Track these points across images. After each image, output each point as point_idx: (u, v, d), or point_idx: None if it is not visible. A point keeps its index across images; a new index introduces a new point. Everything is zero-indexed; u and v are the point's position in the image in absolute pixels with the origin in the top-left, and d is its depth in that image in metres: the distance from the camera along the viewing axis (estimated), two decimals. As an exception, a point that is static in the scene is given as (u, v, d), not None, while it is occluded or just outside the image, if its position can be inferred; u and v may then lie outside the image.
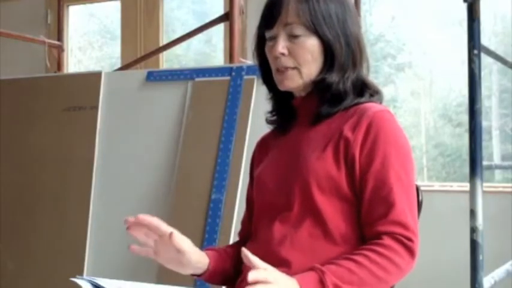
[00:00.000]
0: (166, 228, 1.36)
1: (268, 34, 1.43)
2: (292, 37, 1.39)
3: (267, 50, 1.44)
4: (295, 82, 1.41)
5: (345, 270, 1.25)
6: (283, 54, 1.39)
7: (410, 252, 1.28)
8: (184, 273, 1.43)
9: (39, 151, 3.07)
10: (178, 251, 1.36)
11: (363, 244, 1.31)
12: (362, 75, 1.45)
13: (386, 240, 1.28)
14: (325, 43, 1.39)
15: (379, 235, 1.29)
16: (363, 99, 1.42)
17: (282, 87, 1.44)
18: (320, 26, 1.38)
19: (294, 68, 1.40)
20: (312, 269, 1.25)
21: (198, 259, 1.41)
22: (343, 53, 1.40)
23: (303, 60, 1.39)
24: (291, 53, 1.39)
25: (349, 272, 1.25)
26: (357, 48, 1.43)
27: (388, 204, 1.30)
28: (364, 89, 1.44)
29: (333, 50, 1.39)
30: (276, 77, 1.43)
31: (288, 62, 1.40)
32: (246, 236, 1.54)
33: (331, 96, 1.40)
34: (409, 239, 1.28)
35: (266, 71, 1.49)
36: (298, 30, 1.38)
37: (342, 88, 1.40)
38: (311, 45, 1.39)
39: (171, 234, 1.34)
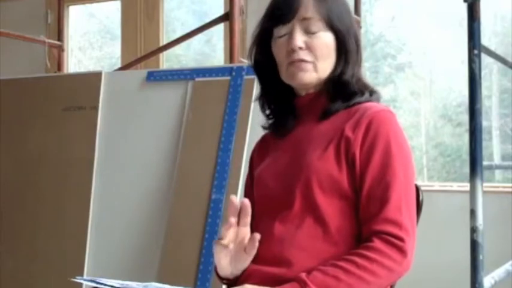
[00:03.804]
0: (249, 219, 1.35)
1: (280, 30, 1.43)
2: (309, 32, 1.41)
3: (278, 45, 1.44)
4: (310, 76, 1.42)
5: (331, 278, 1.25)
6: (301, 48, 1.40)
7: (402, 252, 1.27)
8: (225, 273, 1.41)
9: (39, 151, 3.07)
10: (252, 238, 1.34)
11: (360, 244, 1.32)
12: (362, 74, 1.46)
13: (376, 243, 1.27)
14: (340, 39, 1.42)
15: (370, 236, 1.29)
16: (363, 98, 1.43)
17: (295, 81, 1.43)
18: (335, 22, 1.41)
19: (311, 62, 1.41)
20: (295, 279, 1.26)
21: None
22: (354, 49, 1.43)
23: (320, 54, 1.41)
24: (308, 47, 1.41)
25: (336, 280, 1.25)
26: (360, 48, 1.47)
27: (383, 202, 1.30)
28: (363, 88, 1.45)
29: (347, 47, 1.42)
30: (290, 69, 1.43)
31: (306, 55, 1.41)
32: None
33: (345, 93, 1.42)
34: (401, 239, 1.28)
35: (265, 70, 1.49)
36: (316, 25, 1.40)
37: (354, 84, 1.43)
38: (328, 40, 1.41)
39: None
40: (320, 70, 1.42)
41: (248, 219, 1.35)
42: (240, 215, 1.34)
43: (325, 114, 1.42)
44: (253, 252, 1.36)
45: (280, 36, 1.43)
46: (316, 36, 1.40)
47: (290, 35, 1.41)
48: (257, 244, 1.34)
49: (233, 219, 1.33)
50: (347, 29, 1.42)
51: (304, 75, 1.42)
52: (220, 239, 1.35)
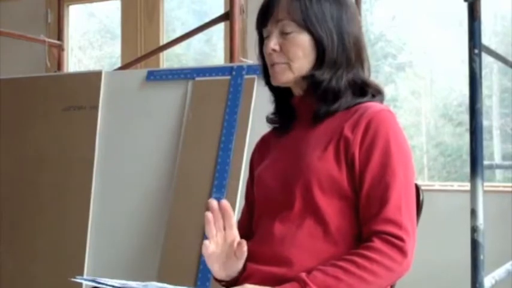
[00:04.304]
0: (234, 221, 1.37)
1: (264, 33, 1.46)
2: (284, 34, 1.41)
3: (264, 48, 1.46)
4: (285, 76, 1.43)
5: (331, 278, 1.25)
6: (274, 50, 1.42)
7: (402, 252, 1.28)
8: (220, 276, 1.41)
9: (39, 151, 3.07)
10: (239, 244, 1.35)
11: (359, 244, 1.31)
12: (361, 75, 1.45)
13: (376, 243, 1.27)
14: (317, 39, 1.40)
15: (370, 236, 1.29)
16: (364, 99, 1.42)
17: (274, 82, 1.46)
18: (311, 22, 1.40)
19: (285, 63, 1.42)
20: (295, 279, 1.26)
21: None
22: (335, 50, 1.41)
23: (294, 55, 1.41)
24: (282, 49, 1.42)
25: (336, 280, 1.25)
26: (352, 47, 1.44)
27: (383, 202, 1.30)
28: (365, 88, 1.44)
29: (324, 47, 1.40)
30: (270, 71, 1.46)
31: (279, 58, 1.42)
32: (244, 237, 1.54)
33: (325, 94, 1.41)
34: (401, 239, 1.28)
35: (267, 70, 1.50)
36: (289, 26, 1.41)
37: (335, 86, 1.41)
38: (302, 41, 1.41)
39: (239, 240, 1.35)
40: (295, 70, 1.42)
41: (232, 220, 1.35)
42: (223, 217, 1.35)
43: (316, 118, 1.42)
44: (243, 256, 1.36)
45: (265, 39, 1.45)
46: (289, 38, 1.41)
47: (267, 37, 1.43)
48: (245, 249, 1.35)
49: (210, 215, 1.34)
50: (328, 30, 1.40)
51: (281, 77, 1.43)
52: (206, 244, 1.35)
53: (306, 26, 1.40)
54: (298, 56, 1.41)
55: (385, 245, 1.27)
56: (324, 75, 1.40)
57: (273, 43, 1.42)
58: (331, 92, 1.41)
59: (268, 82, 1.53)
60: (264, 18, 1.44)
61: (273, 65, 1.43)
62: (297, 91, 1.47)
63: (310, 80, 1.42)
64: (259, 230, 1.45)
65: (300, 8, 1.40)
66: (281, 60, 1.42)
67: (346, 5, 1.45)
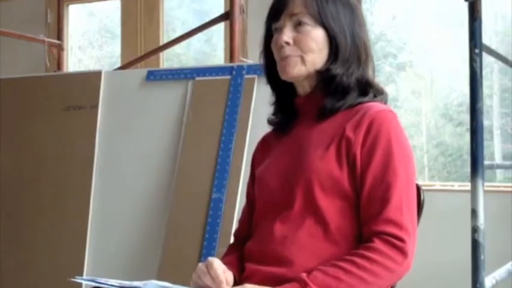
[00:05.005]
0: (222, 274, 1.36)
1: (274, 26, 1.45)
2: (298, 26, 1.41)
3: (272, 42, 1.45)
4: (297, 69, 1.42)
5: (332, 278, 1.25)
6: (288, 43, 1.41)
7: (403, 253, 1.27)
8: None
9: (39, 151, 3.07)
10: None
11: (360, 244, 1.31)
12: (367, 76, 1.45)
13: (377, 243, 1.27)
14: (331, 35, 1.41)
15: (371, 236, 1.29)
16: (366, 99, 1.42)
17: (284, 76, 1.44)
18: (326, 18, 1.41)
19: (298, 56, 1.41)
20: (295, 279, 1.26)
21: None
22: (348, 47, 1.42)
23: (307, 48, 1.41)
24: (296, 43, 1.41)
25: (337, 280, 1.25)
26: (362, 48, 1.45)
27: (384, 202, 1.30)
28: (368, 88, 1.44)
29: (338, 43, 1.41)
30: (279, 66, 1.44)
31: (292, 51, 1.41)
32: (244, 236, 1.53)
33: (335, 89, 1.41)
34: (401, 240, 1.28)
35: (271, 69, 1.49)
36: (305, 20, 1.41)
37: (346, 82, 1.41)
38: (316, 35, 1.41)
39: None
40: (308, 63, 1.41)
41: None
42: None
43: (322, 113, 1.42)
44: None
45: (275, 32, 1.45)
46: (304, 31, 1.41)
47: (280, 31, 1.43)
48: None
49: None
50: (342, 28, 1.41)
51: (293, 69, 1.42)
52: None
53: (322, 21, 1.41)
54: (312, 49, 1.41)
55: (386, 245, 1.27)
56: (338, 70, 1.41)
57: (286, 36, 1.41)
58: (341, 88, 1.41)
59: (270, 80, 1.52)
60: (278, 11, 1.44)
61: (284, 58, 1.42)
62: (303, 88, 1.46)
63: (324, 74, 1.42)
64: (260, 230, 1.45)
65: (317, 4, 1.41)
66: (294, 53, 1.41)
67: (357, 12, 1.47)
